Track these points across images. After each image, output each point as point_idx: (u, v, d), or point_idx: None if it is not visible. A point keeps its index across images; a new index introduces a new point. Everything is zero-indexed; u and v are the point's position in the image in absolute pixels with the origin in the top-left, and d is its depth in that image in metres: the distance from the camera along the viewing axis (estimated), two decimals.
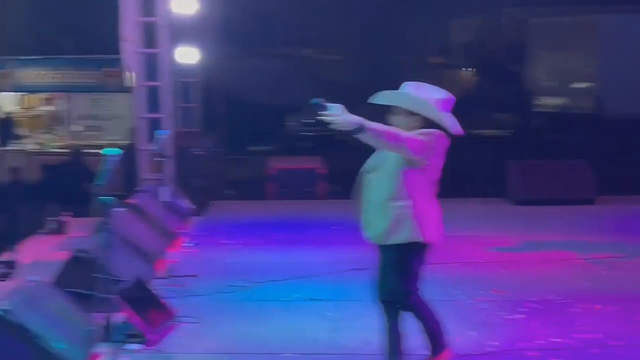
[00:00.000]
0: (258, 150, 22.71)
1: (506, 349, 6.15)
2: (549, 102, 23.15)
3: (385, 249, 5.55)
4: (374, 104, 5.49)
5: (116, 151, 5.95)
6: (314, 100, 5.30)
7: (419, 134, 5.30)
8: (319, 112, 5.28)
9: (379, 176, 5.50)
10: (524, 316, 6.93)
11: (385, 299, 5.59)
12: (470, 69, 29.49)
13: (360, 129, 5.18)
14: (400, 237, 5.41)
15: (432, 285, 6.27)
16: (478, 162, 17.47)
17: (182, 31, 13.76)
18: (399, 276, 5.50)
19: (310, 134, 23.99)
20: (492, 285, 7.83)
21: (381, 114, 5.57)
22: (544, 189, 12.07)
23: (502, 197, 12.59)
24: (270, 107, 24.48)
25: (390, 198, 5.41)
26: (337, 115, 5.24)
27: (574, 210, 11.67)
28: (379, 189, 5.47)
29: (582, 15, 22.48)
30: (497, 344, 6.25)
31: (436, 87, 5.51)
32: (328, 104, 5.24)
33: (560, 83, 22.66)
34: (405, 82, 5.56)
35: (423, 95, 5.43)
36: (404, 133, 5.26)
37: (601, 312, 7.05)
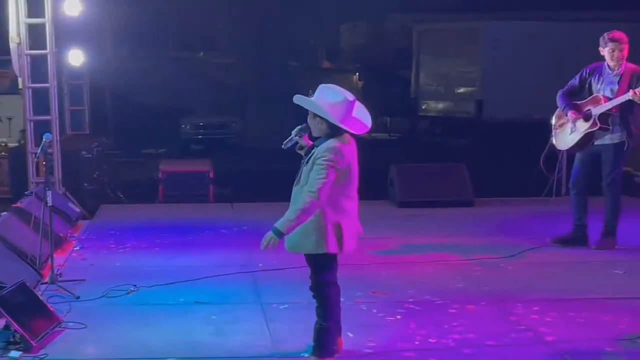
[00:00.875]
0: (149, 153, 22.58)
1: (384, 350, 6.31)
2: (434, 106, 23.55)
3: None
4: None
5: None
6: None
7: (320, 168, 5.68)
8: None
9: (298, 189, 5.86)
10: (401, 317, 7.09)
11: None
12: (358, 74, 29.86)
13: (282, 234, 5.71)
14: (307, 248, 5.90)
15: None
16: (365, 165, 17.76)
17: (72, 33, 13.68)
18: (314, 274, 6.06)
19: (200, 137, 23.98)
20: (372, 287, 7.97)
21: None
22: (425, 192, 12.35)
23: (387, 199, 12.82)
24: (162, 109, 24.36)
25: None
26: (263, 243, 5.74)
27: (453, 212, 11.92)
28: (295, 201, 5.83)
29: (466, 21, 22.97)
30: (374, 344, 6.41)
31: (337, 90, 5.80)
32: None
33: (444, 88, 23.07)
34: (321, 84, 5.88)
35: (322, 99, 5.74)
36: (306, 198, 5.67)
37: (476, 312, 7.27)
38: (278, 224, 5.72)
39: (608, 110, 9.18)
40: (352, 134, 5.87)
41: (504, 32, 21.40)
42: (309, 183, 5.71)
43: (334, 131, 5.76)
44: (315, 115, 5.79)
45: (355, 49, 31.44)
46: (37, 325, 6.49)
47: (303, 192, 5.73)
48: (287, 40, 29.47)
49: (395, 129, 27.42)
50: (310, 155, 5.84)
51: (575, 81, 9.54)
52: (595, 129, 9.27)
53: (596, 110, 9.24)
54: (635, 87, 9.01)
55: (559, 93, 9.62)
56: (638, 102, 8.96)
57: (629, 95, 8.97)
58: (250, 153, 20.69)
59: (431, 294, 7.79)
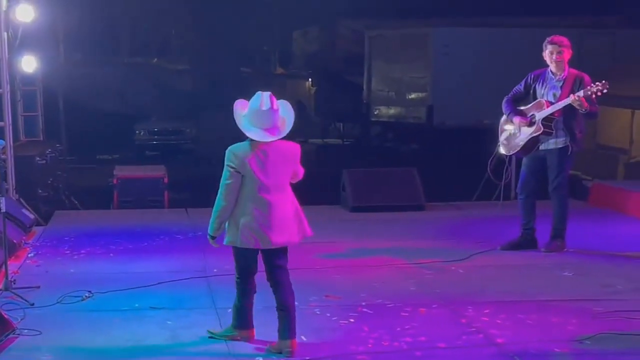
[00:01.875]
0: (104, 158, 22.49)
1: (338, 353, 6.39)
2: (386, 112, 23.66)
3: None
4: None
5: None
6: None
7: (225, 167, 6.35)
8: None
9: None
10: (355, 321, 7.18)
11: None
12: (311, 79, 29.95)
13: (211, 236, 6.53)
14: (227, 239, 6.45)
15: (264, 292, 6.51)
16: (318, 170, 17.85)
17: (24, 39, 13.61)
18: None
19: (154, 142, 23.91)
20: (325, 290, 8.06)
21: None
22: (376, 196, 12.45)
23: (339, 204, 12.92)
24: (116, 115, 24.27)
25: None
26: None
27: (404, 216, 12.03)
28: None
29: (416, 27, 23.12)
30: (328, 348, 6.50)
31: (259, 99, 6.32)
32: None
33: (396, 93, 23.17)
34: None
35: (240, 107, 6.42)
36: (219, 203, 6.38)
37: (427, 315, 7.38)
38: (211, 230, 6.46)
39: (551, 114, 9.33)
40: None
41: (454, 37, 21.55)
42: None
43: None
44: None
45: (307, 55, 31.53)
46: None
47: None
48: (240, 46, 29.49)
49: (347, 134, 27.53)
50: None
51: (520, 87, 9.70)
52: (539, 133, 9.42)
53: (539, 115, 9.40)
54: (577, 92, 9.18)
55: (505, 99, 9.77)
56: (577, 107, 9.12)
57: (569, 100, 9.14)
58: (204, 158, 20.70)
59: (384, 297, 7.89)
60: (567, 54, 9.37)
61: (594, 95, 9.01)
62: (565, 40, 9.38)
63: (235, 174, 6.28)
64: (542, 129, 9.38)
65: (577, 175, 13.03)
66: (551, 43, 9.37)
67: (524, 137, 9.56)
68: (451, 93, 20.79)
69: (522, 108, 9.65)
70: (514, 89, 9.74)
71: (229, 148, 6.35)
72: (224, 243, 6.47)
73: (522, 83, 9.67)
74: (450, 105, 20.90)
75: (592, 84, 9.07)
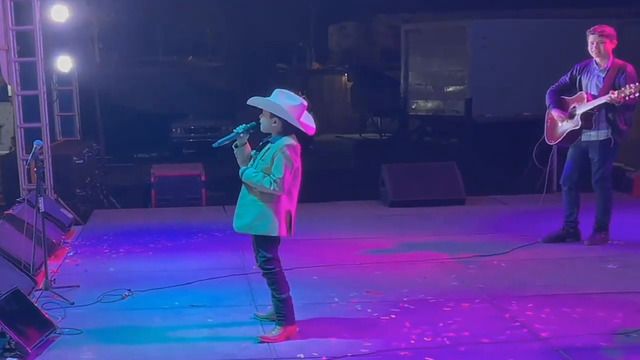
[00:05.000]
0: (141, 157, 22.56)
1: (380, 349, 6.31)
2: (424, 105, 23.55)
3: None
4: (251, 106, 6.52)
5: None
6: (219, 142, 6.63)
7: (285, 160, 6.36)
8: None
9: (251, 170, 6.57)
10: (396, 317, 7.11)
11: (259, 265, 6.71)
12: (347, 74, 29.89)
13: (242, 172, 6.53)
14: (261, 230, 6.52)
15: (306, 288, 6.49)
16: (357, 165, 17.78)
17: (60, 39, 13.68)
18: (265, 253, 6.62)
19: (191, 140, 23.97)
20: (366, 286, 7.99)
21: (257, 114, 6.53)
22: (416, 191, 12.37)
23: (379, 199, 12.85)
24: (152, 113, 24.33)
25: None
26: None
27: (444, 211, 11.96)
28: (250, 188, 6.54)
29: (453, 20, 22.98)
30: (370, 344, 6.42)
31: (293, 95, 6.47)
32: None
33: (433, 87, 23.05)
34: (276, 89, 6.51)
35: (282, 101, 6.41)
36: (268, 185, 6.37)
37: (470, 310, 7.29)
38: (248, 171, 6.47)
39: (590, 109, 9.22)
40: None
41: (492, 30, 21.36)
42: (273, 173, 6.34)
43: (287, 131, 6.43)
44: (273, 115, 6.41)
45: (343, 50, 31.44)
46: (32, 332, 6.50)
47: (265, 179, 6.35)
48: (275, 43, 29.48)
49: (385, 129, 27.46)
50: (266, 149, 6.45)
51: (566, 78, 9.58)
52: (577, 127, 9.33)
53: (579, 110, 9.29)
54: (618, 83, 9.05)
55: (549, 89, 9.66)
56: (616, 104, 8.98)
57: (605, 99, 9.01)
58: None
59: (425, 292, 7.82)
60: (610, 44, 9.23)
61: (627, 97, 8.87)
62: (607, 30, 9.23)
63: (293, 166, 6.41)
64: (581, 123, 9.27)
65: (621, 166, 12.84)
66: (592, 33, 9.27)
67: (564, 129, 9.47)
68: (490, 86, 20.62)
69: (566, 98, 9.52)
70: (560, 79, 9.62)
71: (292, 143, 6.42)
72: (261, 232, 6.51)
73: (568, 74, 9.55)
74: (489, 98, 20.73)
75: (627, 86, 8.92)
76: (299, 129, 6.44)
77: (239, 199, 6.63)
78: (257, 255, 6.67)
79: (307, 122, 6.49)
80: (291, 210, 6.54)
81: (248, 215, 6.51)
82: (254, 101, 6.50)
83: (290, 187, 6.45)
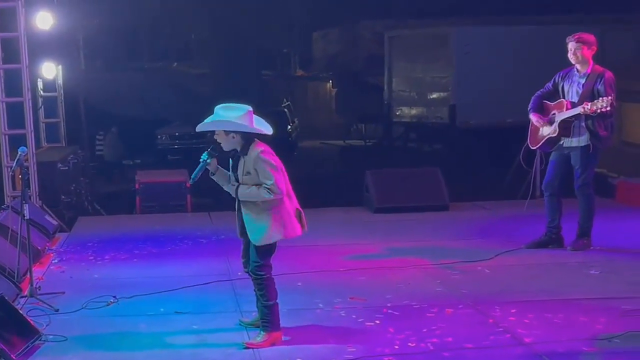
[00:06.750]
0: (126, 164, 22.53)
1: (364, 355, 6.33)
2: (407, 112, 23.61)
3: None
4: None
5: None
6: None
7: (267, 166, 6.45)
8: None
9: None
10: (380, 322, 7.13)
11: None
12: (332, 81, 29.92)
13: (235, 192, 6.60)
14: (258, 237, 6.57)
15: (290, 294, 6.51)
16: (340, 171, 17.81)
17: (44, 46, 13.67)
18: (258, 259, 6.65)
19: (176, 147, 23.96)
20: (350, 292, 8.00)
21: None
22: (400, 197, 12.40)
23: (362, 205, 12.88)
24: (137, 120, 24.32)
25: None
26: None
27: (429, 217, 11.98)
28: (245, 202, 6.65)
29: (436, 27, 23.07)
30: (354, 350, 6.44)
31: (235, 105, 6.53)
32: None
33: (417, 94, 23.13)
34: (217, 106, 6.56)
35: (229, 116, 6.47)
36: (265, 193, 6.43)
37: (453, 315, 7.32)
38: (240, 189, 6.50)
39: (567, 117, 9.30)
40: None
41: (475, 37, 21.47)
42: (264, 183, 6.41)
43: (248, 140, 6.48)
44: (228, 132, 6.46)
45: (328, 57, 31.50)
46: (17, 339, 6.48)
47: (260, 190, 6.42)
48: (260, 49, 29.51)
49: (370, 135, 27.49)
50: (242, 162, 6.53)
51: (549, 85, 9.66)
52: (555, 135, 9.41)
53: (558, 117, 9.37)
54: (597, 89, 9.13)
55: (534, 95, 9.73)
56: (592, 114, 9.05)
57: (579, 110, 9.10)
58: (226, 162, 20.66)
59: (409, 298, 7.84)
60: (588, 50, 9.31)
61: (598, 110, 8.95)
62: (584, 37, 9.32)
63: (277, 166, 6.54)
64: (558, 131, 9.36)
65: (603, 172, 12.92)
66: (570, 40, 9.37)
67: (543, 135, 9.57)
68: (473, 92, 20.70)
69: (549, 103, 9.59)
70: (545, 85, 9.69)
71: (263, 149, 6.49)
72: (258, 240, 6.54)
73: (552, 81, 9.63)
74: (473, 104, 20.81)
75: (600, 99, 9.00)
76: (258, 134, 6.53)
77: (238, 212, 6.68)
78: (249, 261, 6.69)
79: (261, 125, 6.56)
80: (298, 208, 6.68)
81: (259, 228, 6.55)
82: (203, 127, 6.56)
83: (286, 187, 6.55)
